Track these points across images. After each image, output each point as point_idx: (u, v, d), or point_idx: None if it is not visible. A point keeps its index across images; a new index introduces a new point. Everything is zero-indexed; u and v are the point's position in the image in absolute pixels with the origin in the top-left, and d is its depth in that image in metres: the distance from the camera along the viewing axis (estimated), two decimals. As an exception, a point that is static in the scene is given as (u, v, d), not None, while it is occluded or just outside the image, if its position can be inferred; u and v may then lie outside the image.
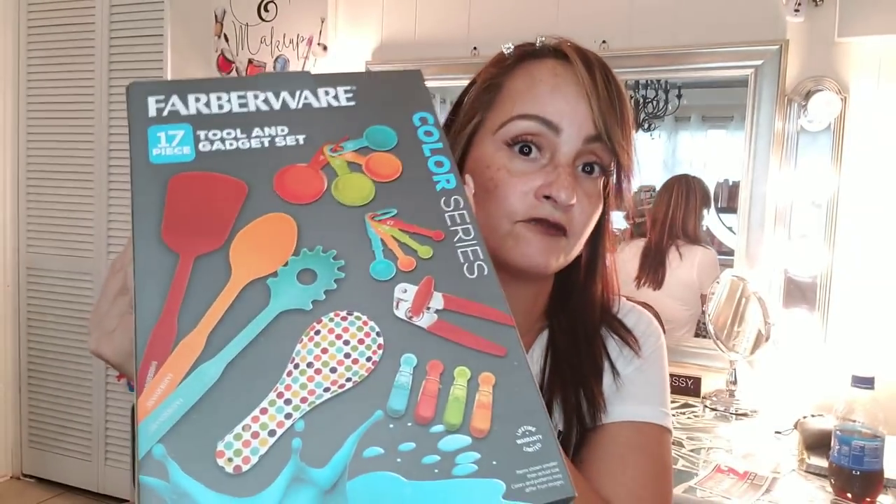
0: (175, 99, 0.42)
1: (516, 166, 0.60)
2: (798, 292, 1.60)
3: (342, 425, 0.32)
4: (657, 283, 1.78)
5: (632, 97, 1.79)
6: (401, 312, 0.36)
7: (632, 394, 0.66)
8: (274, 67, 2.13)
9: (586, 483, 0.60)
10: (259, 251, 0.37)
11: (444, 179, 0.43)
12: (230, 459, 0.30)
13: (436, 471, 0.31)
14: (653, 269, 1.79)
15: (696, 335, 1.75)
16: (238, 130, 0.42)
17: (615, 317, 0.70)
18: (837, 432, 1.12)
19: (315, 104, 0.44)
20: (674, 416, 1.52)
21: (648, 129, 1.79)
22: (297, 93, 0.44)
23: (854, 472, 1.09)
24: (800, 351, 1.58)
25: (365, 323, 0.36)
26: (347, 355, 0.34)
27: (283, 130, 0.42)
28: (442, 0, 1.96)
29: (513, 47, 0.66)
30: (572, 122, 0.60)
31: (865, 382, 1.10)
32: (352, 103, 0.45)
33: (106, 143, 2.51)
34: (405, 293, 0.37)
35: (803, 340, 1.57)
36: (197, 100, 0.42)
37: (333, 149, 0.42)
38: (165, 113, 0.42)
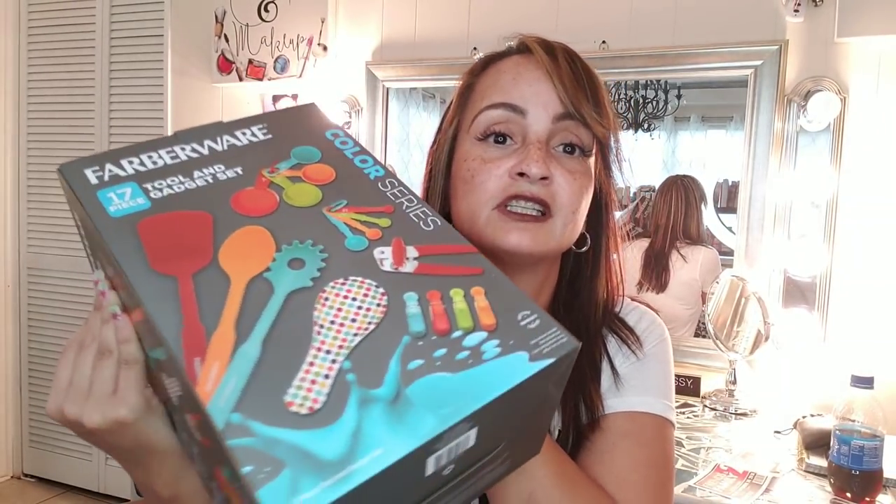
0: (110, 166, 0.45)
1: (490, 154, 0.61)
2: (797, 292, 1.60)
3: (381, 354, 0.37)
4: (661, 286, 1.79)
5: (631, 97, 1.79)
6: (387, 267, 0.42)
7: (628, 387, 0.65)
8: (274, 68, 2.13)
9: (581, 472, 0.59)
10: (246, 256, 0.41)
11: (373, 170, 0.49)
12: (301, 404, 0.34)
13: (470, 361, 0.37)
14: (656, 274, 1.79)
15: (696, 335, 1.75)
16: (180, 176, 0.45)
17: (617, 316, 0.70)
18: (837, 432, 1.12)
19: (238, 143, 0.49)
20: (673, 415, 1.53)
21: (648, 130, 1.79)
22: (218, 138, 0.49)
23: (853, 471, 1.10)
24: (799, 351, 1.58)
25: (362, 282, 0.41)
26: (360, 307, 0.39)
27: (220, 167, 0.46)
28: (442, 0, 1.96)
29: (483, 55, 0.68)
30: (537, 102, 0.60)
31: (865, 382, 1.11)
32: (269, 136, 0.50)
33: (106, 144, 2.52)
34: (383, 253, 0.43)
35: (803, 340, 1.57)
36: (130, 162, 0.46)
37: (270, 171, 0.47)
38: (106, 178, 0.44)
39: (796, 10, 1.54)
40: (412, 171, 2.05)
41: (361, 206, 0.46)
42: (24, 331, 2.71)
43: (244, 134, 0.50)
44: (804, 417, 1.35)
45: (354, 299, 0.40)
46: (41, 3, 2.58)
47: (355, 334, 0.38)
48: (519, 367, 0.37)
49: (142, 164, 0.46)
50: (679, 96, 1.75)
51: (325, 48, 2.07)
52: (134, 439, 0.44)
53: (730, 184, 1.73)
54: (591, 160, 0.63)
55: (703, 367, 1.69)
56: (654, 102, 1.77)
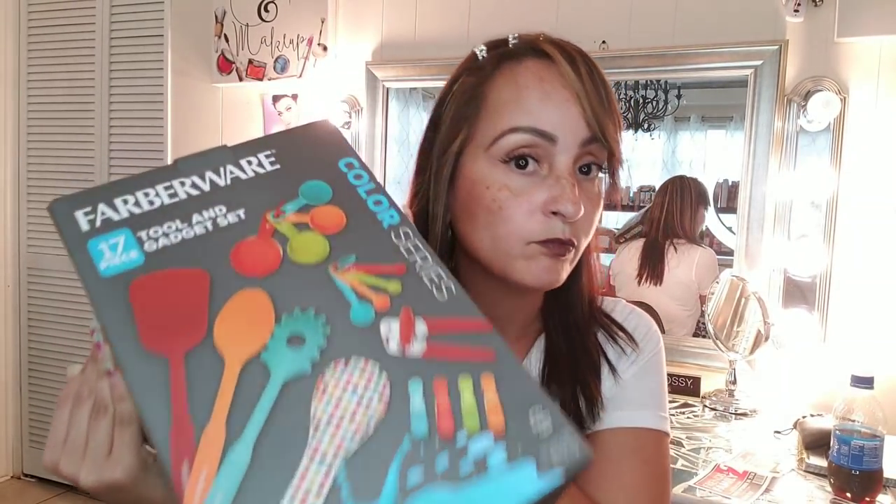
0: (103, 207, 0.42)
1: (517, 183, 0.58)
2: (797, 292, 1.60)
3: (379, 461, 0.34)
4: (657, 278, 1.79)
5: (631, 97, 1.79)
6: (393, 348, 0.38)
7: (629, 399, 0.66)
8: (274, 68, 2.13)
9: (580, 492, 0.60)
10: (242, 331, 0.38)
11: (388, 216, 0.45)
12: None
13: (475, 473, 0.34)
14: (652, 266, 1.80)
15: (696, 335, 1.75)
16: (178, 221, 0.42)
17: (612, 319, 0.69)
18: (837, 432, 1.12)
19: (243, 176, 0.45)
20: (673, 415, 1.53)
21: (648, 130, 1.79)
22: (221, 169, 0.45)
23: (853, 471, 1.10)
24: (799, 351, 1.58)
25: (364, 366, 0.38)
26: (360, 401, 0.36)
27: (221, 210, 0.43)
28: (442, 0, 1.96)
29: (486, 49, 0.63)
30: (566, 128, 0.57)
31: (864, 382, 1.10)
32: (277, 166, 0.46)
33: (107, 143, 2.52)
34: (390, 330, 0.39)
35: (803, 340, 1.57)
36: (125, 202, 0.42)
37: (275, 214, 0.43)
38: (98, 223, 0.41)
39: (796, 10, 1.54)
40: (413, 172, 2.05)
41: (371, 265, 0.42)
42: (24, 331, 2.71)
43: (250, 163, 0.46)
44: (804, 417, 1.35)
45: (355, 390, 0.37)
46: (41, 2, 2.58)
47: (353, 435, 0.35)
48: (526, 484, 0.34)
49: (137, 204, 0.42)
50: (679, 96, 1.75)
51: (325, 48, 2.07)
52: (133, 499, 0.43)
53: (730, 184, 1.73)
54: (600, 177, 0.62)
55: (703, 367, 1.69)
56: (654, 102, 1.77)
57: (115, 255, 0.40)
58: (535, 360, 0.68)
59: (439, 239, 0.63)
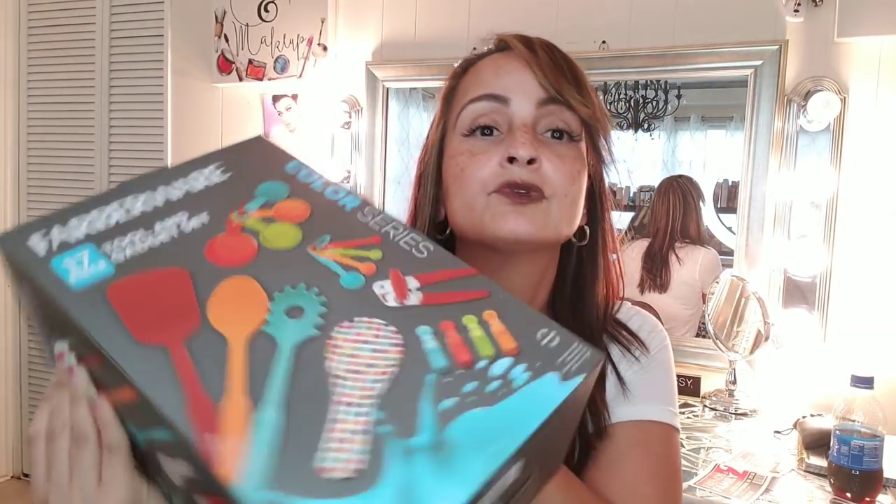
0: (58, 229, 0.40)
1: (477, 146, 0.61)
2: (797, 292, 1.60)
3: (409, 399, 0.35)
4: (662, 287, 1.78)
5: (631, 97, 1.79)
6: (391, 302, 0.39)
7: (635, 395, 0.64)
8: (274, 68, 2.13)
9: (586, 490, 0.59)
10: (238, 311, 0.37)
11: (349, 201, 0.46)
12: (339, 468, 0.31)
13: (503, 391, 0.36)
14: (656, 274, 1.79)
15: (697, 335, 1.75)
16: (141, 231, 0.41)
17: (618, 320, 0.69)
18: (837, 432, 1.12)
19: (196, 187, 0.45)
20: (673, 415, 1.53)
21: (648, 130, 1.79)
22: (172, 184, 0.45)
23: (853, 471, 1.09)
24: (799, 351, 1.58)
25: (370, 321, 0.38)
26: (375, 350, 0.37)
27: (183, 216, 0.42)
28: (442, 0, 1.96)
29: (463, 60, 0.68)
30: (519, 90, 0.60)
31: (865, 382, 1.10)
32: (228, 174, 0.46)
33: (106, 143, 2.51)
34: (383, 288, 0.40)
35: (803, 340, 1.57)
36: (80, 220, 0.41)
37: (239, 213, 0.43)
38: (56, 246, 0.40)
39: (796, 10, 1.54)
40: (413, 172, 2.05)
41: (347, 241, 0.43)
42: (23, 331, 2.71)
43: (200, 175, 0.46)
44: (804, 417, 1.35)
45: (366, 342, 0.37)
46: (41, 2, 2.58)
47: (376, 381, 0.35)
48: (554, 390, 0.36)
49: (92, 223, 0.41)
50: (679, 96, 1.75)
51: (325, 48, 2.07)
52: None
53: (730, 184, 1.72)
54: (582, 145, 0.63)
55: (704, 367, 1.69)
56: (654, 102, 1.77)
57: (82, 268, 0.38)
58: None
59: (427, 220, 0.66)
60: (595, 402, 0.63)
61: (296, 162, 0.49)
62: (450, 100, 0.66)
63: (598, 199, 0.67)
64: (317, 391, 0.34)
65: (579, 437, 0.62)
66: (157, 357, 0.35)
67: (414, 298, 0.40)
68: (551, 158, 0.60)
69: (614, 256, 0.69)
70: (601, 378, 0.64)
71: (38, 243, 0.40)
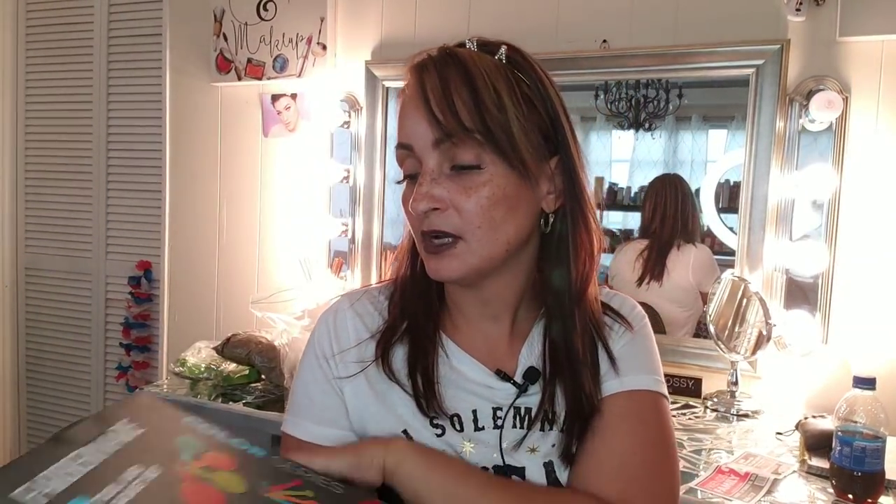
0: (41, 482, 0.41)
1: (406, 193, 0.66)
2: (799, 293, 1.60)
3: None
4: (659, 278, 1.78)
5: (632, 97, 1.79)
6: None
7: (622, 368, 0.69)
8: (273, 67, 2.13)
9: (576, 493, 0.63)
10: None
11: (257, 451, 0.51)
12: None
13: None
14: (652, 268, 1.79)
15: (696, 335, 1.74)
16: (114, 485, 0.42)
17: (604, 303, 0.73)
18: (839, 433, 1.12)
19: (126, 438, 0.47)
20: (674, 416, 1.52)
21: (649, 129, 1.79)
22: (107, 435, 0.46)
23: (855, 473, 1.09)
24: (801, 352, 1.57)
25: None
26: None
27: (140, 468, 0.44)
28: (442, 0, 1.96)
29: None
30: (416, 135, 0.63)
31: (867, 383, 1.10)
32: (144, 429, 0.48)
33: (105, 143, 2.51)
34: None
35: (804, 341, 1.57)
36: (48, 480, 0.41)
37: (181, 464, 0.46)
38: (45, 501, 0.40)
39: (798, 9, 1.53)
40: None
41: (281, 484, 0.47)
42: (22, 331, 2.71)
43: (121, 429, 0.47)
44: (806, 419, 1.35)
45: None
46: (40, 2, 2.58)
47: None
48: None
49: (69, 474, 0.42)
50: (680, 96, 1.75)
51: (324, 47, 2.06)
52: None
53: (731, 184, 1.72)
54: (488, 169, 0.61)
55: (705, 369, 1.68)
56: (656, 102, 1.76)
57: None
58: (535, 342, 0.71)
59: (406, 250, 0.72)
60: (586, 384, 0.67)
61: (190, 416, 0.52)
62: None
63: (569, 178, 0.66)
64: None
65: (576, 415, 0.66)
66: None
67: None
68: (457, 195, 0.62)
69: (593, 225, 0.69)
70: (594, 358, 0.69)
71: (25, 497, 0.39)
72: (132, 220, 2.49)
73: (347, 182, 2.07)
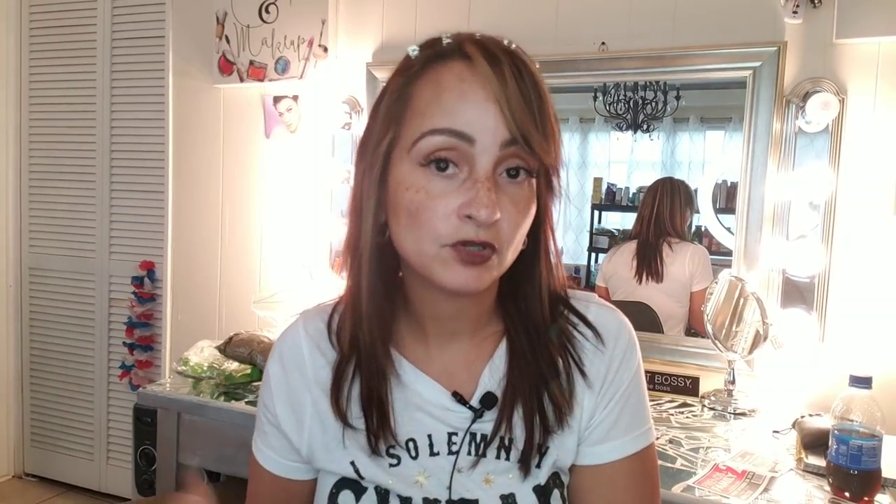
0: None
1: (435, 186, 0.57)
2: (796, 292, 1.61)
3: None
4: (657, 275, 1.79)
5: (630, 98, 1.80)
6: None
7: (624, 427, 0.67)
8: (275, 69, 2.14)
9: None
10: None
11: None
12: None
13: None
14: (648, 264, 1.80)
15: (688, 333, 1.76)
16: None
17: (580, 315, 0.68)
18: (835, 431, 1.12)
19: None
20: (672, 415, 1.53)
21: (647, 131, 1.80)
22: None
23: (852, 471, 1.10)
24: (797, 351, 1.58)
25: None
26: None
27: None
28: (442, 1, 1.97)
29: (418, 49, 0.62)
30: (484, 129, 0.56)
31: (863, 382, 1.11)
32: None
33: (108, 143, 2.52)
34: None
35: (801, 340, 1.58)
36: None
37: None
38: None
39: (795, 12, 1.54)
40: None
41: None
42: (25, 330, 2.72)
43: None
44: (802, 417, 1.36)
45: None
46: (43, 3, 2.59)
47: None
48: None
49: None
50: (678, 97, 1.76)
51: (325, 49, 2.07)
52: None
53: (728, 184, 1.73)
54: (533, 180, 0.60)
55: (702, 367, 1.69)
56: (653, 103, 1.77)
57: None
58: (498, 363, 0.67)
59: (370, 235, 0.62)
60: (552, 391, 0.65)
61: None
62: (402, 108, 0.60)
63: (542, 209, 0.64)
64: None
65: (541, 433, 0.64)
66: None
67: None
68: (507, 208, 0.57)
69: (554, 247, 0.67)
70: (556, 369, 0.65)
71: None
72: (135, 221, 2.50)
73: (348, 183, 2.08)
